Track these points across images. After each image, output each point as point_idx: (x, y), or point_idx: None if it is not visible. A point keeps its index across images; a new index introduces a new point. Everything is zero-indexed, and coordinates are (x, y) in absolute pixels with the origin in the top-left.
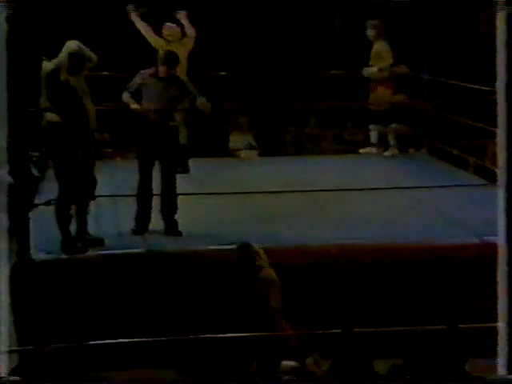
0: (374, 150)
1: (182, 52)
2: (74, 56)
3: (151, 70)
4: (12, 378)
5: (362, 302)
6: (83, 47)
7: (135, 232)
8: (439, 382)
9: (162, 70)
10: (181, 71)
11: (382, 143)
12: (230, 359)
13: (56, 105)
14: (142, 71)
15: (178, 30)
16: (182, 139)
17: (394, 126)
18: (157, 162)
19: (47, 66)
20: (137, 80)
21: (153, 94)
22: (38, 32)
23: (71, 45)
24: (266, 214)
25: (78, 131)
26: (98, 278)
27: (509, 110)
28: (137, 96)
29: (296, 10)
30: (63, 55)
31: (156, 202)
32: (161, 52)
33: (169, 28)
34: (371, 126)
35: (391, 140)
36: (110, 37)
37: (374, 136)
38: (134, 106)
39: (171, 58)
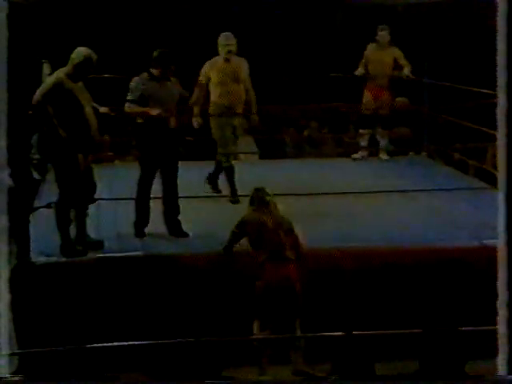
0: (365, 153)
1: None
2: (89, 61)
3: (146, 75)
4: (12, 378)
5: (363, 305)
6: (94, 53)
7: (136, 235)
8: (439, 382)
9: (156, 71)
10: (241, 85)
11: (373, 146)
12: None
13: (59, 112)
14: (136, 78)
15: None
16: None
17: (379, 129)
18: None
19: (58, 74)
20: (137, 87)
21: (155, 99)
22: (37, 34)
23: (84, 50)
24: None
25: (78, 136)
26: (98, 281)
27: (509, 112)
28: (142, 103)
29: (297, 13)
30: (77, 60)
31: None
32: (155, 53)
33: (228, 38)
34: (361, 130)
35: (382, 142)
36: (109, 39)
37: (364, 140)
38: (144, 110)
39: (165, 58)
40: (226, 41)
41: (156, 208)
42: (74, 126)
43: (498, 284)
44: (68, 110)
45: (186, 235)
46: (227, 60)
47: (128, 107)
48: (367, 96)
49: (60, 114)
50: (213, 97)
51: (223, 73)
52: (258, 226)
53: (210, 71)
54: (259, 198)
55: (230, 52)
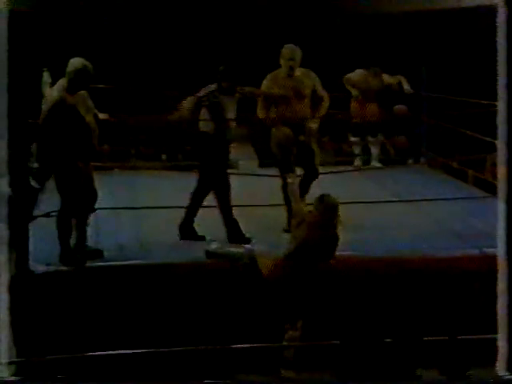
0: (359, 162)
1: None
2: (83, 71)
3: (214, 86)
4: (12, 378)
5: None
6: (88, 63)
7: (181, 238)
8: (441, 382)
9: (225, 84)
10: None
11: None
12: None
13: (62, 126)
14: (205, 88)
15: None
16: None
17: (371, 138)
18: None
19: (58, 89)
20: (202, 95)
21: (218, 109)
22: (38, 43)
23: (77, 61)
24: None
25: (79, 146)
26: (97, 290)
27: (509, 121)
28: (211, 107)
29: (297, 23)
30: (73, 73)
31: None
32: (220, 67)
33: (292, 51)
34: (352, 139)
35: (373, 150)
36: (107, 48)
37: (356, 148)
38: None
39: (229, 73)
40: (289, 54)
41: (158, 215)
42: (75, 136)
43: (497, 290)
44: (70, 125)
45: (248, 241)
46: (290, 75)
47: (186, 100)
48: (354, 106)
49: (62, 128)
50: (273, 113)
51: (285, 88)
52: (304, 227)
53: (271, 86)
54: (326, 203)
55: (292, 68)
